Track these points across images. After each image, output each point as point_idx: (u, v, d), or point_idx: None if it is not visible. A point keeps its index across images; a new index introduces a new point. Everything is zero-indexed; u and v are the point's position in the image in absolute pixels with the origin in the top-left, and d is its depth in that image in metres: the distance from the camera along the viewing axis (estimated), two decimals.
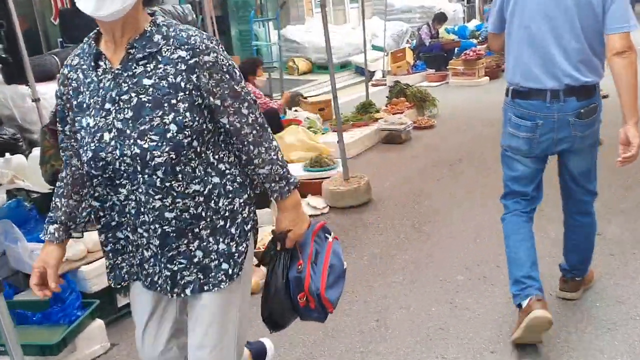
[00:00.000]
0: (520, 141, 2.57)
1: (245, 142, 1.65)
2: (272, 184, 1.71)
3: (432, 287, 3.20)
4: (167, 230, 1.61)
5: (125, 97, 1.55)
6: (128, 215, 1.65)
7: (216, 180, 1.64)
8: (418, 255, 3.61)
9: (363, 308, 3.04)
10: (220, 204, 1.65)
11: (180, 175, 1.57)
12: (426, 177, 5.14)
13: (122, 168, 1.57)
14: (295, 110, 8.01)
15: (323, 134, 6.65)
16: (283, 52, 12.33)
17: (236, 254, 1.68)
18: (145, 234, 1.64)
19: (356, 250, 3.76)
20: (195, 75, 1.55)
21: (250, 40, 12.17)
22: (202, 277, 1.67)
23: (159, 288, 1.70)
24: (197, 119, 1.56)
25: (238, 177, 1.70)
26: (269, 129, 1.69)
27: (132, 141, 1.54)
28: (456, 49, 12.02)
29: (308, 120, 7.31)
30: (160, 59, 1.56)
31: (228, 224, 1.67)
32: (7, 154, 4.30)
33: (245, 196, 1.71)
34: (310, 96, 8.48)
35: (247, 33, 11.91)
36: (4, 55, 5.76)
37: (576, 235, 2.78)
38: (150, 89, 1.55)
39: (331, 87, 4.69)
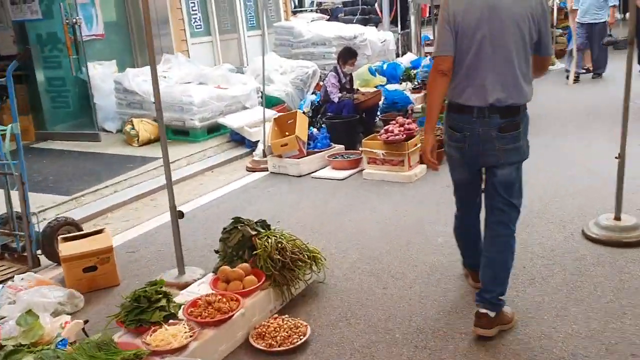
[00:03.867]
0: (453, 149, 3.03)
1: None
2: None
3: None
4: None
5: None
6: None
7: None
8: None
9: None
10: None
11: None
12: None
13: None
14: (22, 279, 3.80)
15: None
16: (122, 109, 8.14)
17: None
18: None
19: None
20: None
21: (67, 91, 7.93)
22: None
23: None
24: None
25: None
26: None
27: None
28: (380, 103, 8.17)
29: None
30: None
31: None
32: None
33: None
34: (79, 235, 4.24)
35: (59, 81, 7.69)
36: None
37: (492, 247, 2.98)
38: None
39: None
